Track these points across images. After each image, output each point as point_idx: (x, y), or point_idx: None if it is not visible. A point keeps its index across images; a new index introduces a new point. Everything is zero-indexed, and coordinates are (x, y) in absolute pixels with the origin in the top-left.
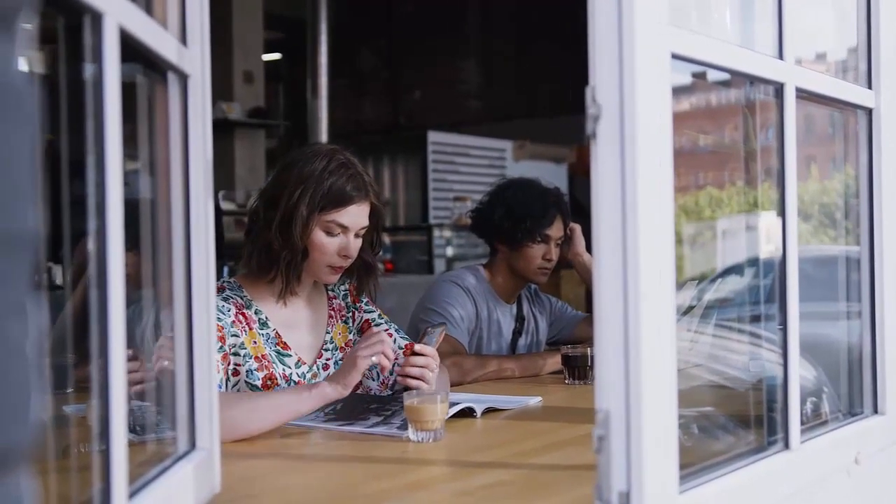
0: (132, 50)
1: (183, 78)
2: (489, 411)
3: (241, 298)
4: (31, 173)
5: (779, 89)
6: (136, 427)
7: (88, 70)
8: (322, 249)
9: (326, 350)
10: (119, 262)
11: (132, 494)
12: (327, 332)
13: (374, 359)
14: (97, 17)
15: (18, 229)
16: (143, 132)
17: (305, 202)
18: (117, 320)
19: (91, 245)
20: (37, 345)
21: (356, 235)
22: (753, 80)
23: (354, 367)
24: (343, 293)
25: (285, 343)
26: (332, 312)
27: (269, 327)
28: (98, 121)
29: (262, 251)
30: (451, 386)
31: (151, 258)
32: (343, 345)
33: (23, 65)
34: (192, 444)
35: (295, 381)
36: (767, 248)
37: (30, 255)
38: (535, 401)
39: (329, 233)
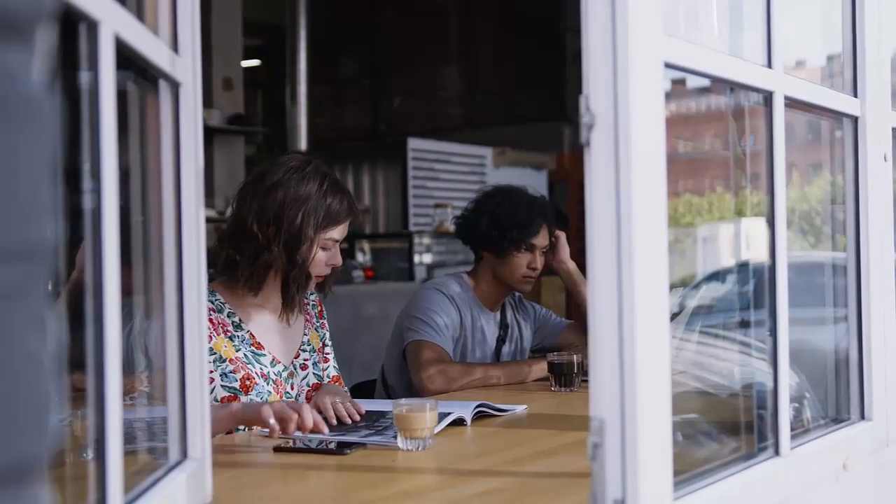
0: (125, 58)
1: (175, 86)
2: (479, 417)
3: (213, 302)
4: (49, 184)
5: (768, 98)
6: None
7: (83, 77)
8: (316, 264)
9: (304, 350)
10: (114, 270)
11: None
12: (304, 334)
13: (272, 421)
14: (93, 25)
15: (37, 241)
16: (134, 140)
17: (311, 224)
18: (112, 330)
19: (87, 254)
20: (53, 356)
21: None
22: (743, 88)
23: (259, 416)
24: (312, 303)
25: (259, 343)
26: (308, 316)
27: (243, 329)
28: (94, 128)
29: (262, 269)
30: (437, 394)
31: (142, 267)
32: (317, 349)
33: (41, 74)
34: (184, 454)
35: (273, 380)
36: (749, 255)
37: (47, 267)
38: (521, 408)
39: (325, 248)
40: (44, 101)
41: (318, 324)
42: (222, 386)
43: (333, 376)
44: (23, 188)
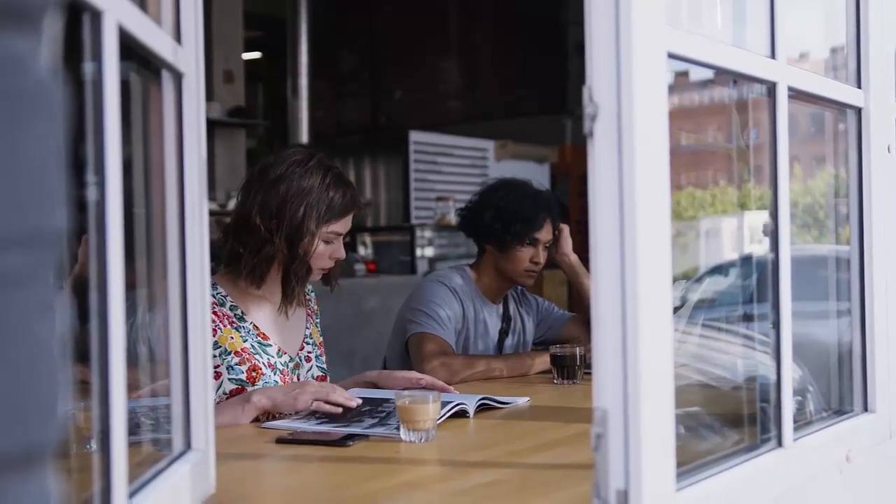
0: (128, 48)
1: (178, 77)
2: (481, 409)
3: (214, 296)
4: (59, 171)
5: (771, 88)
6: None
7: (87, 68)
8: (318, 257)
9: (307, 343)
10: (118, 262)
11: (131, 494)
12: (306, 328)
13: (313, 406)
14: (96, 15)
15: (47, 228)
16: (137, 131)
17: (313, 217)
18: (117, 322)
19: (91, 245)
20: (63, 343)
21: (343, 238)
22: (747, 79)
23: (294, 403)
24: (312, 299)
25: (265, 334)
26: (309, 311)
27: (246, 321)
28: (97, 119)
29: (265, 262)
30: None
31: (145, 258)
32: (318, 343)
33: (50, 61)
34: (188, 445)
35: (280, 370)
36: (752, 248)
37: (56, 255)
38: (523, 401)
39: (327, 242)
40: (53, 89)
41: (316, 320)
42: (229, 379)
43: (318, 375)
44: (33, 176)
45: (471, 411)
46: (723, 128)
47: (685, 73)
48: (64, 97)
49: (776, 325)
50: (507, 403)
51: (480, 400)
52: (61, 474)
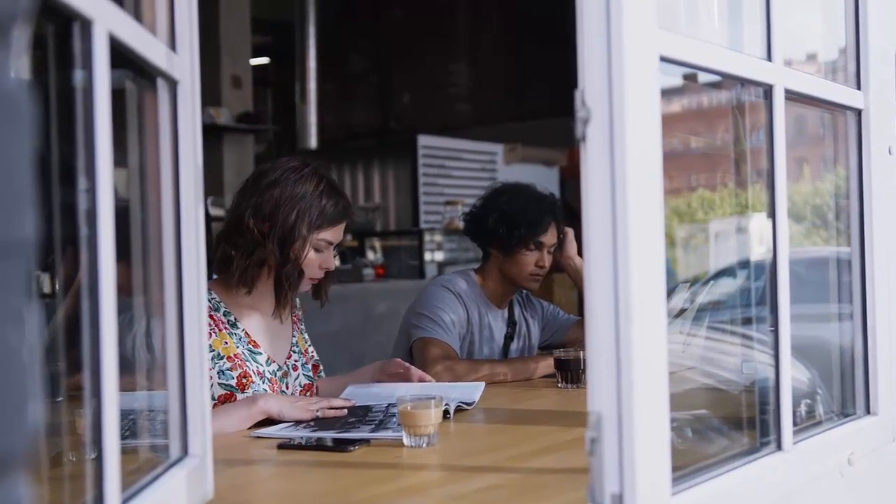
0: (121, 56)
1: (172, 84)
2: (459, 410)
3: (209, 301)
4: (28, 180)
5: (768, 91)
6: (125, 433)
7: (78, 76)
8: (309, 265)
9: (294, 352)
10: (110, 269)
11: (125, 501)
12: (293, 336)
13: (319, 413)
14: (87, 24)
15: (17, 236)
16: (132, 139)
17: (305, 222)
18: (109, 328)
19: (82, 253)
20: (33, 351)
21: (335, 248)
22: (742, 81)
23: (301, 414)
24: (298, 307)
25: (255, 342)
26: (295, 320)
27: (238, 328)
28: (88, 127)
29: (256, 265)
30: None
31: (142, 266)
32: (304, 350)
33: (19, 71)
34: (185, 451)
35: (268, 378)
36: (759, 250)
37: (27, 262)
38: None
39: (317, 250)
40: (22, 99)
41: (301, 326)
42: (220, 384)
43: (305, 384)
44: (2, 185)
45: (451, 412)
46: (731, 129)
47: (693, 77)
48: (34, 108)
49: (775, 328)
50: (471, 404)
51: (458, 403)
52: (60, 481)
